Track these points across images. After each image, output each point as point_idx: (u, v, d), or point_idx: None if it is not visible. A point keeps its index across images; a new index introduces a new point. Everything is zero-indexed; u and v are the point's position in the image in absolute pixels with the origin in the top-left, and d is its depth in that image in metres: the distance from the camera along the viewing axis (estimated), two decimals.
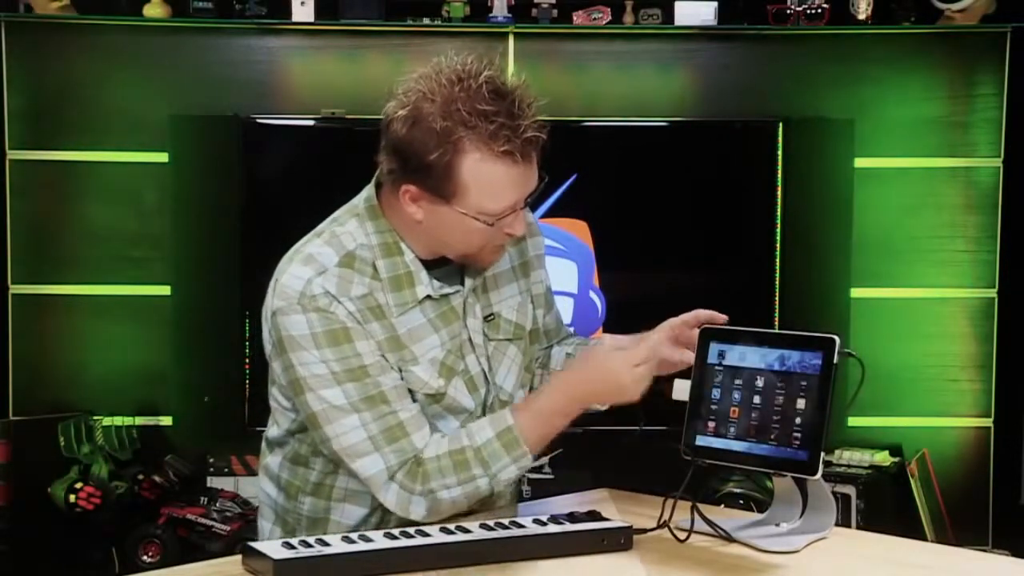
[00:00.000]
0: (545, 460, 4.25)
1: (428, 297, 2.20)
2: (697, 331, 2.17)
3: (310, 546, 1.93)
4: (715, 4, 4.37)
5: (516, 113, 2.06)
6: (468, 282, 2.25)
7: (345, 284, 2.14)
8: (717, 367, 2.13)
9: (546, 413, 2.16)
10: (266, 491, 2.37)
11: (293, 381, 2.17)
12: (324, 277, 2.14)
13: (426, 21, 4.31)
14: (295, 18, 4.29)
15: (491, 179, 2.08)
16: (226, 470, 4.38)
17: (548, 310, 2.45)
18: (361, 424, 2.13)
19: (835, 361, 2.02)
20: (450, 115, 2.04)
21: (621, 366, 2.13)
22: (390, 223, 2.20)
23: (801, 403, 2.04)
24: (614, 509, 2.26)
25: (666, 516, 2.09)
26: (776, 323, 4.31)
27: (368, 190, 2.24)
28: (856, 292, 4.51)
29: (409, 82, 2.10)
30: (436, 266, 2.23)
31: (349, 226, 2.20)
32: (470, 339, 2.24)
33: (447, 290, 2.22)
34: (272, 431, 2.34)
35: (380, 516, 2.24)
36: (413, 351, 2.18)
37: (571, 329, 2.61)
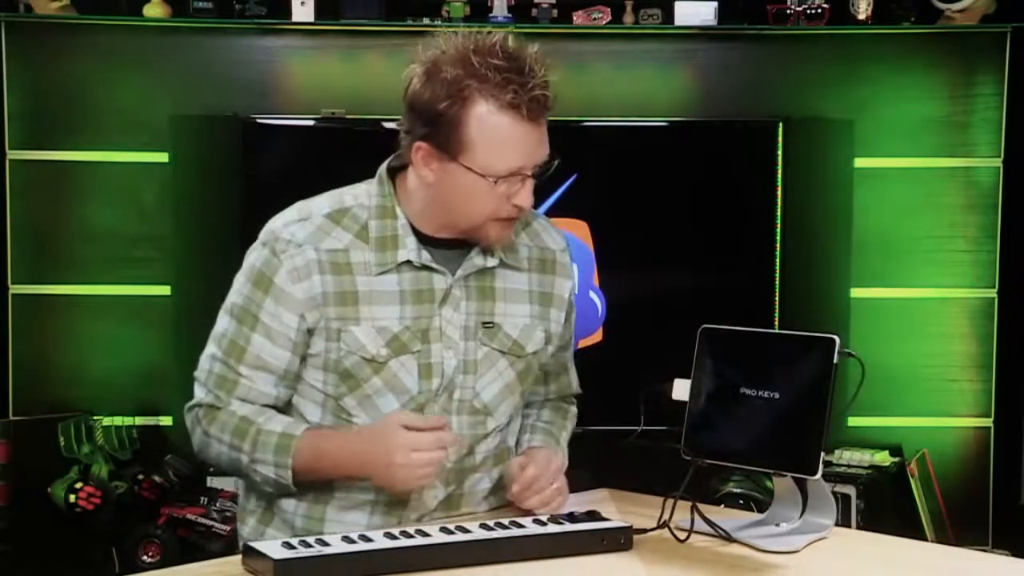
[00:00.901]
0: None
1: (408, 264, 2.22)
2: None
3: (310, 546, 1.93)
4: (715, 4, 4.37)
5: (526, 72, 2.12)
6: (460, 271, 2.25)
7: (320, 234, 2.22)
8: (717, 367, 2.13)
9: (323, 453, 2.18)
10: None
11: None
12: (302, 224, 2.23)
13: (426, 21, 4.31)
14: (295, 18, 4.30)
15: (497, 132, 2.12)
16: None
17: (555, 353, 2.42)
18: (212, 357, 2.26)
19: (835, 361, 2.03)
20: (462, 65, 2.11)
21: (398, 445, 2.09)
22: (393, 190, 2.26)
23: (801, 403, 2.04)
24: (614, 509, 2.26)
25: (666, 516, 2.09)
26: (776, 323, 4.31)
27: (384, 163, 2.30)
28: (856, 292, 4.51)
29: (429, 48, 2.17)
30: (440, 246, 2.24)
31: (358, 189, 2.30)
32: (441, 328, 2.23)
33: (432, 264, 2.23)
34: None
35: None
36: (360, 311, 2.20)
37: (574, 388, 2.54)
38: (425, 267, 2.23)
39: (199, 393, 2.27)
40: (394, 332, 2.21)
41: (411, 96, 2.17)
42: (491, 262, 2.28)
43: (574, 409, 2.54)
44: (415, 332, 2.22)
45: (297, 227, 2.23)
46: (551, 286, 2.37)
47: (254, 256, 2.26)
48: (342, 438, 2.21)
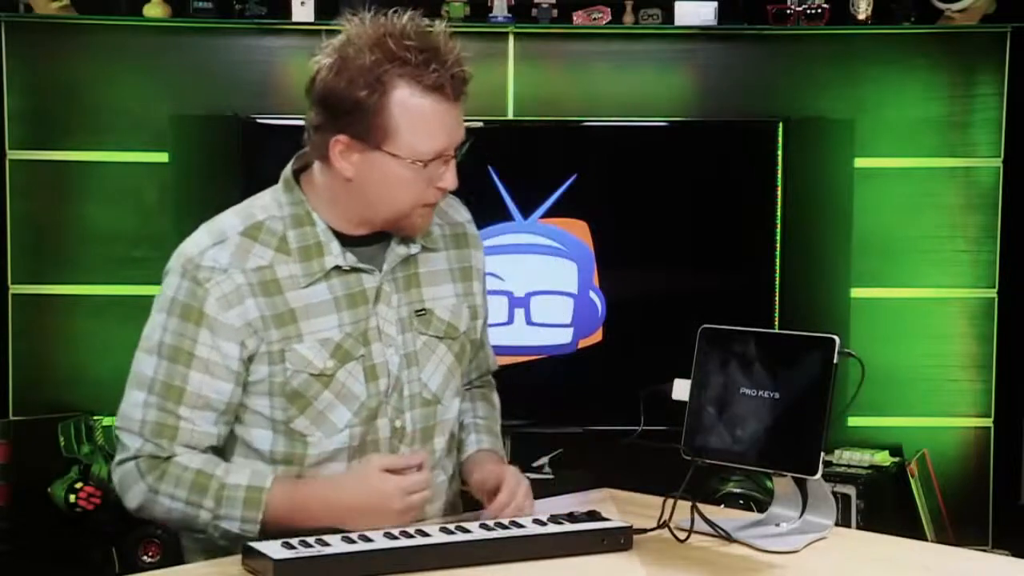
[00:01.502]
0: (545, 460, 4.25)
1: (337, 269, 2.17)
2: None
3: (310, 546, 1.93)
4: (715, 4, 4.37)
5: (443, 50, 2.10)
6: (386, 266, 2.21)
7: (242, 254, 2.14)
8: (717, 367, 2.13)
9: (300, 503, 2.11)
10: None
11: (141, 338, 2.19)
12: (220, 247, 2.15)
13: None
14: (295, 18, 4.29)
15: (421, 114, 2.08)
16: None
17: (482, 328, 2.40)
18: (144, 403, 2.14)
19: (835, 361, 2.03)
20: (378, 48, 2.07)
21: (394, 492, 2.08)
22: (305, 195, 2.19)
23: (801, 403, 2.04)
24: (614, 509, 2.26)
25: (666, 516, 2.09)
26: (776, 323, 4.30)
27: (285, 169, 2.24)
28: (856, 292, 4.51)
29: (333, 38, 2.14)
30: (359, 244, 2.20)
31: (263, 199, 2.22)
32: (378, 327, 2.19)
33: (360, 265, 2.19)
34: None
35: None
36: (300, 327, 2.14)
37: (492, 364, 2.50)
38: (353, 269, 2.18)
39: (133, 444, 2.13)
40: (336, 341, 2.15)
41: (322, 89, 2.11)
42: (414, 249, 2.24)
43: (496, 396, 2.49)
44: (356, 337, 2.17)
45: (215, 251, 2.14)
46: (468, 259, 2.34)
47: (172, 289, 2.15)
48: (320, 488, 2.14)
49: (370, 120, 2.08)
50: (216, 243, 2.15)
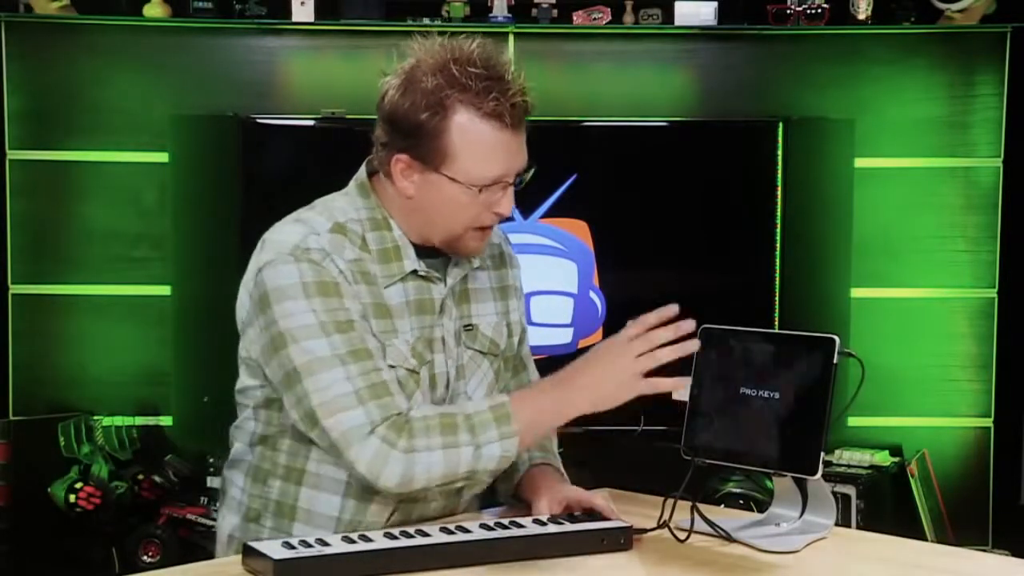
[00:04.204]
0: None
1: (414, 273, 2.20)
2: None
3: (310, 546, 1.93)
4: (715, 4, 4.37)
5: (506, 79, 2.12)
6: (449, 280, 2.25)
7: (338, 246, 2.15)
8: (717, 367, 2.13)
9: (555, 392, 2.12)
10: (231, 480, 2.32)
11: (275, 336, 2.12)
12: (317, 237, 2.15)
13: (426, 21, 4.31)
14: (295, 18, 4.30)
15: (479, 141, 2.11)
16: None
17: (519, 345, 2.42)
18: (347, 377, 2.07)
19: (835, 361, 2.03)
20: (440, 73, 2.10)
21: (623, 349, 2.10)
22: (380, 201, 2.22)
23: (801, 403, 2.04)
24: (614, 509, 2.25)
25: (666, 516, 2.09)
26: (776, 323, 4.31)
27: (359, 173, 2.27)
28: (856, 292, 4.51)
29: (404, 59, 2.16)
30: (425, 255, 2.24)
31: (339, 202, 2.24)
32: (443, 338, 2.23)
33: (432, 273, 2.22)
34: (239, 413, 2.33)
35: (353, 509, 2.19)
36: (395, 324, 2.17)
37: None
38: (425, 277, 2.22)
39: (358, 420, 2.05)
40: (411, 344, 2.19)
41: (389, 108, 2.14)
42: (476, 263, 2.29)
43: None
44: (424, 343, 2.21)
45: (316, 239, 2.14)
46: (506, 279, 2.38)
47: (294, 276, 2.11)
48: (548, 381, 2.15)
49: (430, 143, 2.12)
50: (311, 233, 2.15)
